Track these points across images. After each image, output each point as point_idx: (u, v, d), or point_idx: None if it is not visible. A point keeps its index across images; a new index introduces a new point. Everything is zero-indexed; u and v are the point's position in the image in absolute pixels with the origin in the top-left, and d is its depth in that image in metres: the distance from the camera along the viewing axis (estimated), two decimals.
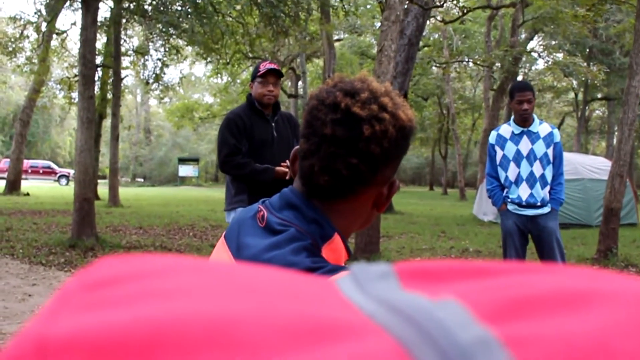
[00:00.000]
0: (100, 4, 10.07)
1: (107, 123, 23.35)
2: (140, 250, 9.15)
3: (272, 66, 4.28)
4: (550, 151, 4.74)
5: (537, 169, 4.73)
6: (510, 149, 4.79)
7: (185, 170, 48.87)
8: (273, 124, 4.30)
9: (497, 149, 4.87)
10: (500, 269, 0.32)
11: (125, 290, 0.28)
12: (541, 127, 4.78)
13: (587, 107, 34.84)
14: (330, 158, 1.07)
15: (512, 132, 4.81)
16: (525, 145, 4.75)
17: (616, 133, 20.86)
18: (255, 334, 0.24)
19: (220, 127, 4.35)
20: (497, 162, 4.88)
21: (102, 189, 22.44)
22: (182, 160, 49.60)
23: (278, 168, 4.12)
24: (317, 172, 1.09)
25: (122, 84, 21.49)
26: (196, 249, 9.37)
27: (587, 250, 9.45)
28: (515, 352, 0.23)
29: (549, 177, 4.76)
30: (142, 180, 56.70)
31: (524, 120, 4.75)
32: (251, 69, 30.84)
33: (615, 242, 8.40)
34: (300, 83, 30.41)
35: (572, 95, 38.23)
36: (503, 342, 0.24)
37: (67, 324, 0.25)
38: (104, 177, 36.81)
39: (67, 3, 16.35)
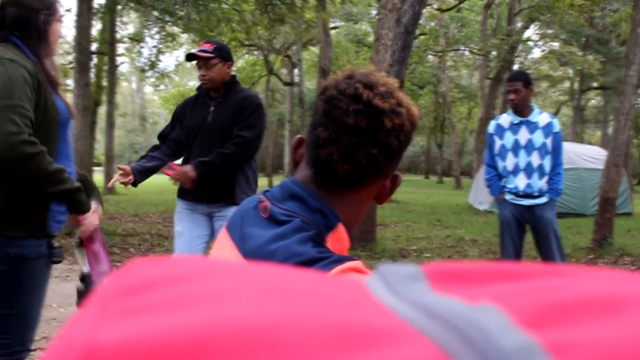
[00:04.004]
0: None
1: (102, 110, 23.29)
2: (136, 237, 9.15)
3: (192, 51, 3.90)
4: (549, 141, 4.75)
5: (535, 159, 4.74)
6: (509, 138, 4.80)
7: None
8: (212, 109, 3.91)
9: (496, 138, 4.88)
10: (531, 271, 0.32)
11: (164, 294, 0.28)
12: (540, 117, 4.79)
13: (582, 96, 34.84)
14: (351, 147, 1.09)
15: (511, 121, 4.82)
16: (523, 135, 4.76)
17: (612, 122, 20.91)
18: (300, 340, 0.24)
19: None
20: (496, 152, 4.89)
21: (98, 176, 22.37)
22: None
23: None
24: (336, 161, 1.10)
25: (117, 71, 21.42)
26: None
27: (582, 240, 9.48)
28: (558, 358, 0.23)
29: (547, 168, 4.76)
30: None
31: (514, 110, 4.79)
32: (247, 56, 30.75)
33: (610, 231, 8.44)
34: (296, 71, 30.34)
35: (567, 84, 38.23)
36: (546, 349, 0.24)
37: (113, 330, 0.25)
38: (99, 165, 36.72)
39: None
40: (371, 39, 26.31)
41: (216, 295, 0.28)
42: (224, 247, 1.20)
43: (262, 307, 0.27)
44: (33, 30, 2.27)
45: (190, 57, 3.84)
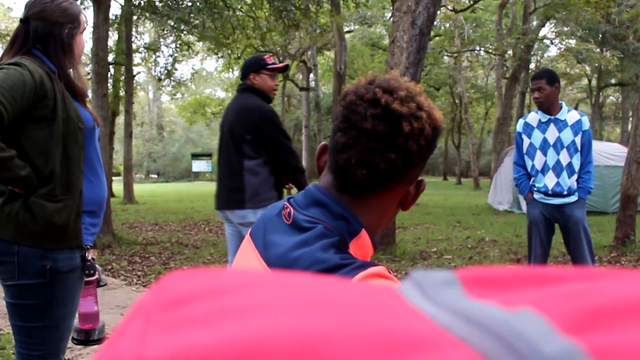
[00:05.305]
0: (111, 2, 10.09)
1: (120, 120, 23.46)
2: (157, 246, 9.21)
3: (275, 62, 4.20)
4: (578, 139, 4.66)
5: (564, 158, 4.67)
6: (537, 137, 4.73)
7: (198, 166, 48.95)
8: None
9: (524, 137, 4.81)
10: (566, 275, 0.31)
11: (206, 307, 0.28)
12: (569, 115, 4.71)
13: (600, 93, 34.56)
14: (369, 152, 1.08)
15: (539, 120, 4.74)
16: (552, 134, 4.68)
17: (631, 119, 20.68)
18: (344, 350, 0.24)
19: (271, 123, 3.99)
20: (524, 151, 4.83)
21: (117, 186, 22.54)
22: (196, 156, 49.68)
23: None
24: (354, 165, 1.10)
25: (134, 81, 21.57)
26: (212, 244, 9.41)
27: (604, 238, 9.40)
28: None
29: (576, 166, 4.68)
30: (156, 176, 57.01)
31: (540, 108, 4.73)
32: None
33: (632, 228, 8.36)
34: (311, 76, 30.38)
35: (585, 81, 37.97)
36: (589, 354, 0.23)
37: (159, 344, 0.25)
38: (118, 175, 36.99)
39: (78, 2, 16.39)
40: (386, 41, 26.30)
41: (258, 307, 0.28)
42: (248, 254, 1.21)
43: (305, 318, 0.27)
44: (57, 44, 2.29)
45: (281, 69, 4.15)
